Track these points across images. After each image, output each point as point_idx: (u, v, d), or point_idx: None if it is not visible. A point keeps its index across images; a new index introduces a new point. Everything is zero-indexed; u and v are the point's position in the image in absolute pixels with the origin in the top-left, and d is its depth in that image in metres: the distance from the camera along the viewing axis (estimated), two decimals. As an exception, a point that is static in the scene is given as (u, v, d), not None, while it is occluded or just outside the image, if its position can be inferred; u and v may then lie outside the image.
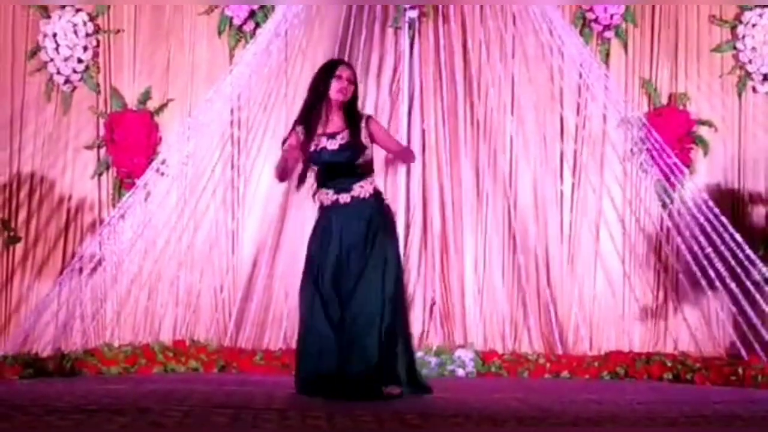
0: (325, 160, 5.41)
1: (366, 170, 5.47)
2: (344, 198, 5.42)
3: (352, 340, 5.22)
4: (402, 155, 5.71)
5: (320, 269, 5.38)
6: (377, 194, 5.50)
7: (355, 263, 5.32)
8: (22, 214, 8.70)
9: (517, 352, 8.20)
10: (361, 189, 5.43)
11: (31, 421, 3.72)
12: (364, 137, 5.45)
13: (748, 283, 7.76)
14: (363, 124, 5.47)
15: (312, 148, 5.41)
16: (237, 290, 8.47)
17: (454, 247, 8.48)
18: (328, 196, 5.44)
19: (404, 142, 8.44)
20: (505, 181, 8.55)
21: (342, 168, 5.41)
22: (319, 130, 5.44)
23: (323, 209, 5.49)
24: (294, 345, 8.23)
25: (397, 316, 5.32)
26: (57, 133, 8.76)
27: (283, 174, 5.43)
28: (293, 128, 5.52)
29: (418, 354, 7.78)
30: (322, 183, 5.47)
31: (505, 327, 8.34)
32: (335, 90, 5.44)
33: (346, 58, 8.46)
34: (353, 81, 5.51)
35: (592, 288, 8.53)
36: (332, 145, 5.42)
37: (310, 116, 5.45)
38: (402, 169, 8.42)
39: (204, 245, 8.54)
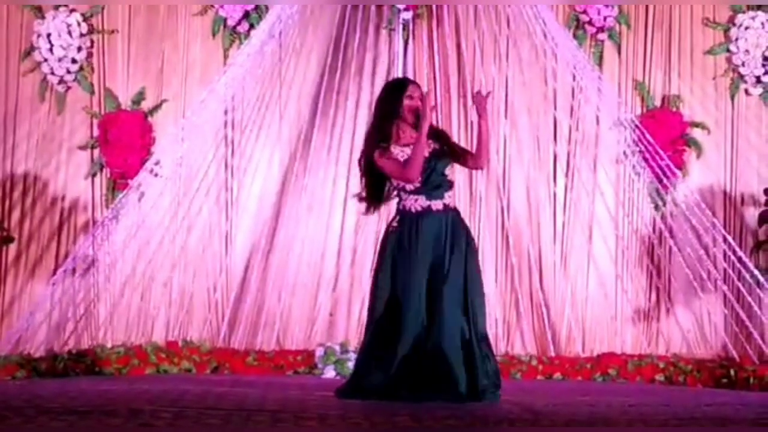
0: (427, 167, 5.31)
1: (452, 181, 5.45)
2: (437, 205, 5.37)
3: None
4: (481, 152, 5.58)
5: (408, 275, 5.30)
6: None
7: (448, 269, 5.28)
8: (16, 214, 8.69)
9: (509, 354, 8.21)
10: (450, 199, 5.42)
11: (24, 422, 3.72)
12: (448, 145, 5.46)
13: (740, 285, 7.79)
14: (440, 134, 5.47)
15: (404, 156, 5.32)
16: (230, 291, 8.47)
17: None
18: (418, 202, 5.37)
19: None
20: (499, 182, 8.56)
21: (436, 176, 5.35)
22: (397, 144, 5.37)
23: (409, 216, 5.38)
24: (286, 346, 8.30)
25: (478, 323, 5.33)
26: (51, 134, 8.75)
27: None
28: (377, 146, 5.36)
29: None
30: (412, 191, 5.36)
31: (497, 329, 8.33)
32: (408, 109, 5.38)
33: (340, 59, 8.50)
34: (422, 98, 5.43)
35: (585, 290, 8.54)
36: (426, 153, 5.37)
37: (385, 133, 5.38)
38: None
39: (197, 246, 8.54)
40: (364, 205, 5.57)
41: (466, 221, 5.60)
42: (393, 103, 5.41)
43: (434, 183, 5.36)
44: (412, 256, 5.30)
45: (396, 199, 5.47)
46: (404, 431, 3.95)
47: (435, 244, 5.32)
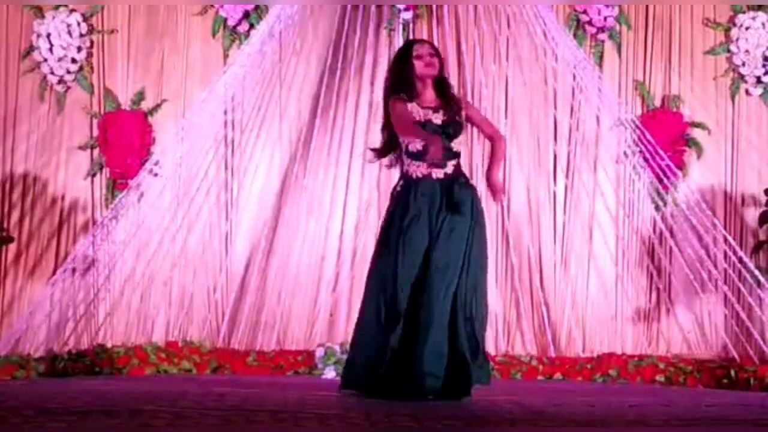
0: (433, 131, 5.33)
1: (458, 151, 5.44)
2: (437, 173, 5.38)
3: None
4: (497, 143, 5.59)
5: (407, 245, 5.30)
6: (464, 174, 5.47)
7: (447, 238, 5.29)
8: (15, 214, 8.69)
9: (509, 354, 8.20)
10: (453, 167, 5.41)
11: (23, 422, 3.71)
12: (460, 117, 5.44)
13: (741, 286, 7.79)
14: (459, 103, 5.46)
15: (416, 117, 5.36)
16: (230, 291, 8.47)
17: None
18: (419, 168, 5.39)
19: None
20: (499, 182, 8.54)
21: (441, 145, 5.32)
22: (415, 102, 5.39)
23: (410, 182, 5.41)
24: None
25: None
26: (50, 134, 8.75)
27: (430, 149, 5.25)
28: (397, 97, 5.38)
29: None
30: (414, 155, 5.39)
31: (497, 329, 8.33)
32: (421, 67, 5.38)
33: (340, 59, 8.49)
34: (436, 54, 5.44)
35: (585, 290, 8.53)
36: (437, 118, 5.38)
37: (406, 87, 5.38)
38: (396, 169, 8.41)
39: (197, 246, 8.53)
40: (371, 154, 5.66)
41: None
42: (402, 67, 5.42)
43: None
44: (408, 222, 5.32)
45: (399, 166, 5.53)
46: (404, 431, 3.94)
47: (430, 210, 5.32)
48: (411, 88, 5.40)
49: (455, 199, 5.32)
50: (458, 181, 5.41)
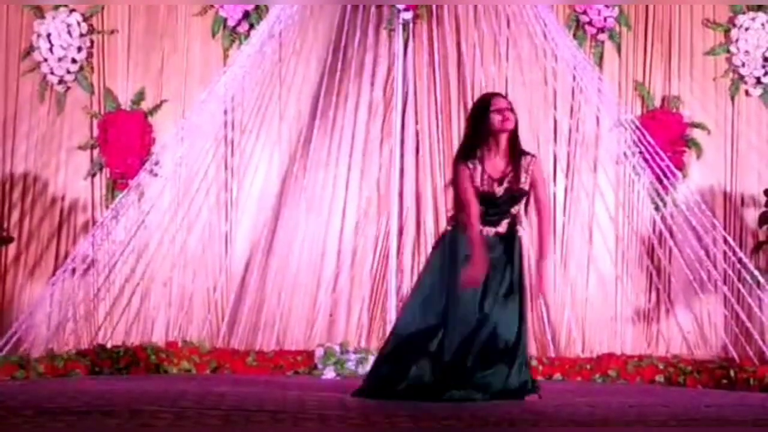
0: (492, 203, 5.42)
1: (514, 214, 5.50)
2: (488, 231, 5.43)
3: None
4: (543, 213, 5.63)
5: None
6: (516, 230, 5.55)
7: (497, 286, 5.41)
8: (15, 214, 8.69)
9: (509, 355, 8.19)
10: (504, 227, 5.47)
11: (23, 422, 3.71)
12: (524, 181, 5.46)
13: (741, 286, 7.78)
14: (527, 165, 5.47)
15: (482, 187, 5.41)
16: (230, 291, 8.47)
17: (446, 249, 8.47)
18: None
19: (398, 144, 8.46)
20: (499, 183, 8.54)
21: (498, 210, 5.45)
22: (485, 167, 5.43)
23: (457, 230, 5.48)
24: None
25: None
26: (50, 134, 8.76)
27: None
28: (464, 165, 5.43)
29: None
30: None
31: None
32: (498, 122, 5.42)
33: (339, 60, 8.50)
34: (512, 109, 5.49)
35: (585, 290, 8.53)
36: (499, 191, 5.43)
37: (477, 150, 5.44)
38: (396, 170, 8.43)
39: (197, 246, 8.53)
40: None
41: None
42: (480, 120, 5.46)
43: (494, 216, 5.45)
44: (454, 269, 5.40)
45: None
46: (404, 430, 3.95)
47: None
48: (483, 144, 5.43)
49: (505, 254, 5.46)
50: (508, 237, 5.48)
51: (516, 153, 5.48)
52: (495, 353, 5.31)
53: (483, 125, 5.44)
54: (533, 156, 5.56)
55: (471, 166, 5.43)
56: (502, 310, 5.37)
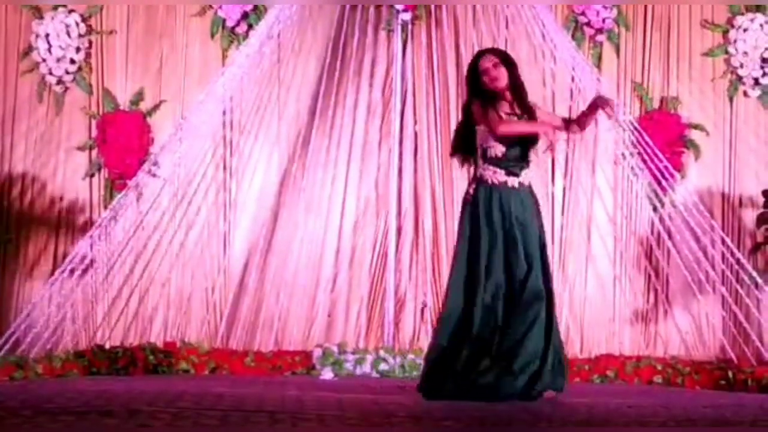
0: (510, 144, 5.35)
1: (531, 160, 5.49)
2: (512, 181, 5.40)
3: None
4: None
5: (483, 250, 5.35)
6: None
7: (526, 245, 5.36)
8: (14, 215, 8.68)
9: (508, 355, 8.19)
10: (525, 177, 5.45)
11: (22, 422, 3.71)
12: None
13: (738, 287, 7.79)
14: (533, 115, 5.46)
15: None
16: (228, 292, 8.47)
17: (445, 249, 8.48)
18: (497, 175, 5.39)
19: (396, 144, 8.47)
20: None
21: (519, 151, 5.39)
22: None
23: (484, 186, 5.42)
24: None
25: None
26: (49, 134, 8.76)
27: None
28: (487, 106, 5.36)
29: (410, 356, 7.79)
30: (492, 161, 5.40)
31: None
32: (489, 81, 5.39)
33: (338, 60, 8.50)
34: (500, 62, 5.43)
35: (583, 291, 8.54)
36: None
37: (486, 108, 5.39)
38: (394, 170, 8.44)
39: (195, 247, 8.53)
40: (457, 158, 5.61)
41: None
42: (474, 86, 5.45)
43: (515, 158, 5.39)
44: (483, 231, 5.35)
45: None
46: (402, 430, 3.95)
47: (503, 221, 5.35)
48: (488, 105, 5.39)
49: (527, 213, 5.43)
50: (529, 190, 5.48)
51: (523, 107, 5.44)
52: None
53: (478, 87, 5.43)
54: (539, 108, 5.60)
55: (486, 103, 5.39)
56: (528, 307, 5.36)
